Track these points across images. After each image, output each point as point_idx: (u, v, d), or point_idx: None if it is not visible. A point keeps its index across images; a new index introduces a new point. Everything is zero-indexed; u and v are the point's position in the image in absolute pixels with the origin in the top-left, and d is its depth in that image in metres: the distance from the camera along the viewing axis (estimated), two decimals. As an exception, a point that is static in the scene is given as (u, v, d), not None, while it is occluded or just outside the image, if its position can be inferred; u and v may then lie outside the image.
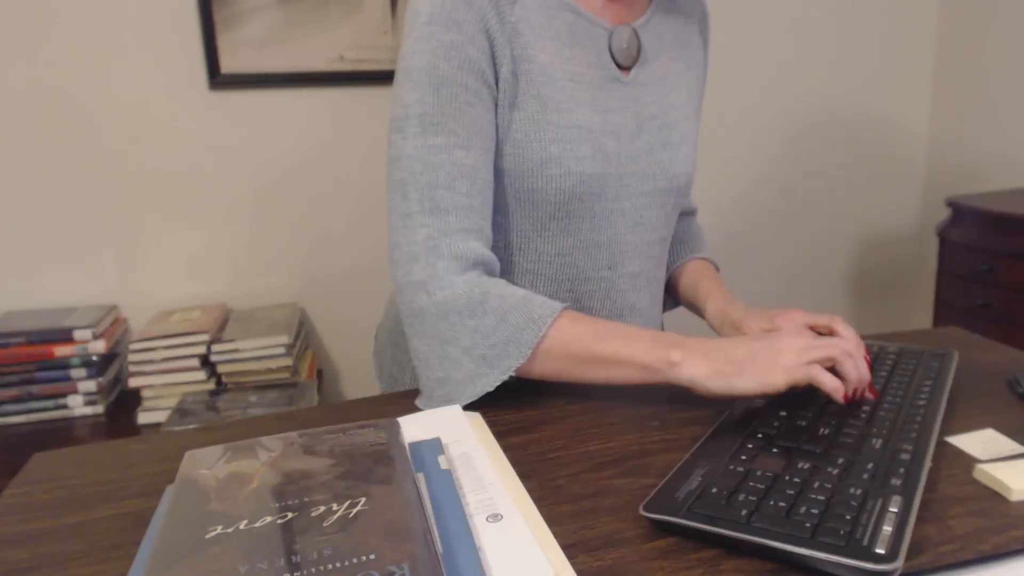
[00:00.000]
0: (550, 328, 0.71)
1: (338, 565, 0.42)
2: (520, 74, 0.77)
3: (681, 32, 0.92)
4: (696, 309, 0.96)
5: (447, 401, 0.73)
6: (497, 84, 0.77)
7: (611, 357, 0.70)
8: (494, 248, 0.83)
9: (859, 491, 0.52)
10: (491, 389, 0.71)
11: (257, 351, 1.62)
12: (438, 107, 0.73)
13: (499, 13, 0.76)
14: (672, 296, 1.04)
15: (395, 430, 0.60)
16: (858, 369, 0.66)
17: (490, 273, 0.76)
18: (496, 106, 0.77)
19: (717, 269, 1.01)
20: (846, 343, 0.67)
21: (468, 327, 0.71)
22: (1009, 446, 0.62)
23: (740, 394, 0.66)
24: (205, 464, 0.56)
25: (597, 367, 0.71)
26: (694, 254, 1.01)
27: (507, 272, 0.84)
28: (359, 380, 2.01)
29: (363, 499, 0.49)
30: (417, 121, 0.73)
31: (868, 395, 0.69)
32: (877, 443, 0.59)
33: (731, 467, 0.56)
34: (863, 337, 0.82)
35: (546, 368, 0.73)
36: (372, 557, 0.43)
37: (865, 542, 0.46)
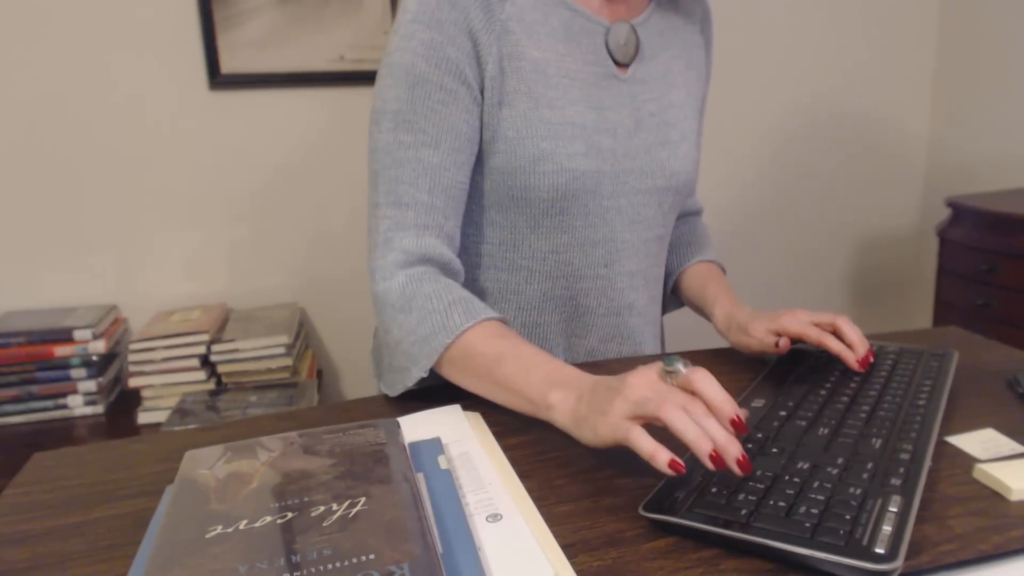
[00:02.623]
0: (459, 338, 0.70)
1: (338, 565, 0.42)
2: (509, 72, 0.77)
3: (682, 31, 0.92)
4: (703, 313, 0.95)
5: (391, 387, 0.76)
6: (483, 84, 0.77)
7: (503, 383, 0.67)
8: (488, 244, 0.84)
9: (859, 491, 0.52)
10: (411, 385, 0.73)
11: (257, 351, 1.62)
12: (411, 104, 0.75)
13: (487, 11, 0.76)
14: (677, 298, 1.03)
15: (395, 430, 0.60)
16: (695, 428, 0.52)
17: (443, 269, 0.77)
18: (482, 106, 0.78)
19: (723, 271, 1.00)
20: (678, 397, 0.54)
21: (397, 321, 0.74)
22: (1009, 446, 0.62)
23: (589, 445, 0.59)
24: (205, 464, 0.56)
25: (494, 388, 0.69)
26: (700, 256, 1.01)
27: (502, 268, 0.85)
28: (359, 380, 2.01)
29: (363, 499, 0.49)
30: (391, 117, 0.76)
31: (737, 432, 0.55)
32: (877, 443, 0.59)
33: (731, 467, 0.56)
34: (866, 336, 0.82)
35: (455, 377, 0.72)
36: (372, 557, 0.43)
37: (865, 542, 0.46)
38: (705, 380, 0.55)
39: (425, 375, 0.72)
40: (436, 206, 0.76)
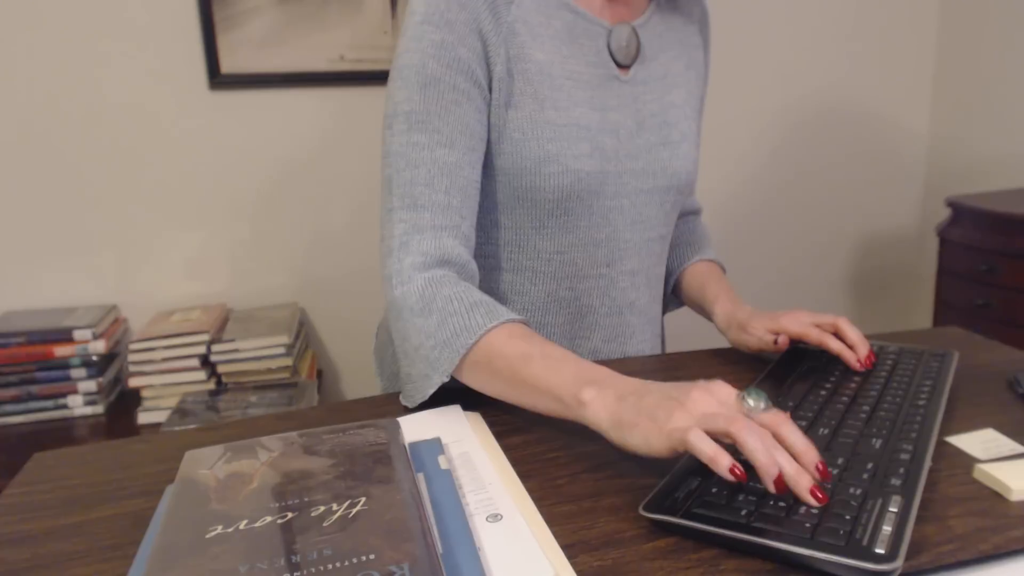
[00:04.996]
0: (481, 339, 0.68)
1: (338, 565, 0.42)
2: (516, 73, 0.77)
3: (681, 32, 0.92)
4: (703, 312, 0.96)
5: (410, 398, 0.73)
6: (491, 84, 0.77)
7: (531, 382, 0.64)
8: (493, 245, 0.84)
9: (859, 491, 0.52)
10: (433, 390, 0.70)
11: (257, 351, 1.62)
12: (424, 105, 0.74)
13: (494, 13, 0.76)
14: (677, 297, 1.03)
15: (395, 430, 0.60)
16: (768, 451, 0.51)
17: (461, 271, 0.76)
18: (490, 106, 0.78)
19: (723, 270, 1.00)
20: (748, 420, 0.52)
21: (416, 325, 0.71)
22: (1009, 446, 0.62)
23: (632, 451, 0.57)
24: (205, 464, 0.56)
25: (519, 390, 0.66)
26: (700, 255, 1.01)
27: (506, 269, 0.84)
28: (359, 380, 2.01)
29: (363, 499, 0.49)
30: (404, 118, 0.75)
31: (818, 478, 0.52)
32: (877, 443, 0.59)
33: (731, 467, 0.56)
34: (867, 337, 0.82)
35: (476, 380, 0.70)
36: (372, 557, 0.43)
37: (865, 542, 0.46)
38: (789, 424, 0.53)
39: (446, 380, 0.70)
40: (453, 206, 0.75)
